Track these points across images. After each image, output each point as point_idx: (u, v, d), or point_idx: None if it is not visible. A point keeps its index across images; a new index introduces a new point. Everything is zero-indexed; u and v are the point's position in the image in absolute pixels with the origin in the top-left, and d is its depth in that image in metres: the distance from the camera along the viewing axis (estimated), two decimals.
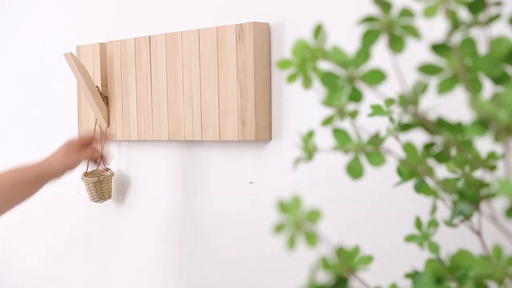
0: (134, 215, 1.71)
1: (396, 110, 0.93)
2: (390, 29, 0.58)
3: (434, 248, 0.86)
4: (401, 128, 0.63)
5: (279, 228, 0.57)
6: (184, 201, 1.57)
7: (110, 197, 1.74)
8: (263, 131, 1.37)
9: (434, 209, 0.82)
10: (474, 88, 0.56)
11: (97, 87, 1.70)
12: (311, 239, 0.57)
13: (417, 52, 0.86)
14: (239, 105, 1.38)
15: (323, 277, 0.60)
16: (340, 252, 0.61)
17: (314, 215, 0.57)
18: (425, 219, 0.90)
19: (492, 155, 0.71)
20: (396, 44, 0.58)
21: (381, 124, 1.06)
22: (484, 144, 0.70)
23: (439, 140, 0.63)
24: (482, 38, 0.59)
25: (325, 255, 0.60)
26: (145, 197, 1.68)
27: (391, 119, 0.93)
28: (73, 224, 1.91)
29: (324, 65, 0.61)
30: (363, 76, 0.60)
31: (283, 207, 0.58)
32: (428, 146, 0.65)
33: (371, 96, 0.81)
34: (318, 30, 0.61)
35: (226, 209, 1.49)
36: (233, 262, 1.48)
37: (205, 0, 1.51)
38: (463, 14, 0.58)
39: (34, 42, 2.02)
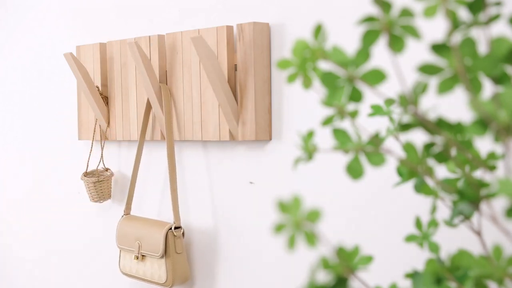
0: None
1: (396, 110, 0.93)
2: (390, 29, 0.58)
3: (434, 248, 0.86)
4: (401, 128, 0.63)
5: (279, 228, 0.57)
6: (184, 201, 1.57)
7: (110, 197, 1.74)
8: (263, 131, 1.37)
9: (434, 209, 0.82)
10: (474, 88, 0.56)
11: (97, 87, 1.70)
12: (311, 239, 0.57)
13: (417, 52, 0.86)
14: (239, 105, 1.38)
15: (323, 277, 0.60)
16: (340, 252, 0.61)
17: (314, 215, 0.57)
18: (425, 219, 0.90)
19: (492, 155, 0.71)
20: (396, 44, 0.58)
21: (381, 124, 1.06)
22: (484, 144, 0.70)
23: (439, 140, 0.63)
24: (482, 38, 0.59)
25: (325, 255, 0.60)
26: (145, 197, 1.68)
27: (391, 119, 0.93)
28: (73, 224, 1.91)
29: (324, 65, 0.61)
30: (363, 76, 0.60)
31: (283, 207, 0.58)
32: (428, 146, 0.65)
33: (371, 96, 0.81)
34: (318, 30, 0.61)
35: (226, 209, 1.49)
36: (233, 262, 1.48)
37: (205, 0, 1.51)
38: (463, 14, 0.58)
39: (34, 42, 2.02)
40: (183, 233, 1.52)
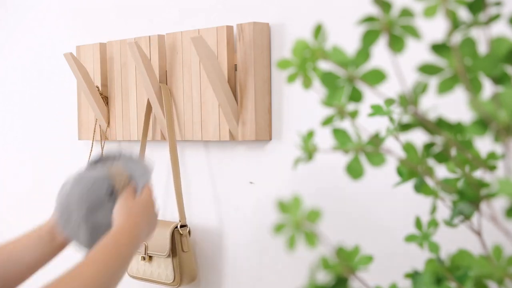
0: None
1: (396, 110, 0.93)
2: (390, 29, 0.58)
3: (434, 248, 0.86)
4: (401, 128, 0.63)
5: (279, 228, 0.58)
6: (184, 201, 1.57)
7: None
8: (263, 131, 1.37)
9: (434, 209, 0.82)
10: (474, 88, 0.56)
11: (97, 87, 1.70)
12: (311, 239, 0.57)
13: (417, 52, 0.86)
14: (239, 105, 1.38)
15: (323, 277, 0.60)
16: (340, 252, 0.61)
17: (314, 215, 0.57)
18: (425, 219, 0.90)
19: (492, 155, 0.71)
20: (396, 44, 0.58)
21: (381, 124, 1.06)
22: (484, 144, 0.70)
23: (439, 140, 0.63)
24: (482, 38, 0.59)
25: (325, 255, 0.60)
26: None
27: (391, 119, 0.93)
28: None
29: (324, 65, 0.61)
30: (363, 76, 0.60)
31: (283, 207, 0.58)
32: (428, 146, 0.65)
33: (371, 96, 0.81)
34: (318, 30, 0.61)
35: (226, 209, 1.49)
36: (233, 262, 1.48)
37: (205, 0, 1.51)
38: (463, 14, 0.58)
39: (34, 42, 2.02)
40: (189, 231, 1.51)
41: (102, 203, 1.15)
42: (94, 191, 1.15)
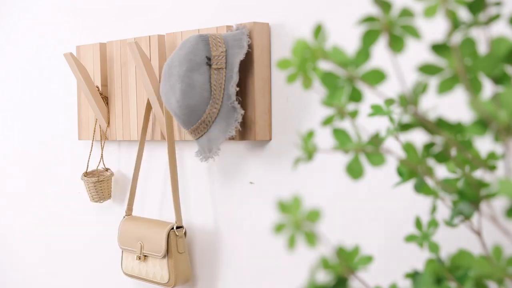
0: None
1: (396, 110, 0.93)
2: (390, 29, 0.58)
3: (434, 248, 0.86)
4: (401, 128, 0.63)
5: (279, 228, 0.58)
6: (185, 201, 1.57)
7: (110, 197, 1.74)
8: (263, 131, 1.37)
9: (434, 209, 0.82)
10: (474, 88, 0.56)
11: (97, 87, 1.70)
12: (311, 239, 0.57)
13: (417, 52, 0.86)
14: (239, 105, 1.38)
15: (323, 277, 0.60)
16: (340, 252, 0.61)
17: (314, 215, 0.57)
18: (425, 219, 0.90)
19: (492, 155, 0.71)
20: (396, 44, 0.58)
21: (381, 124, 1.06)
22: (484, 144, 0.70)
23: (439, 140, 0.63)
24: (482, 38, 0.59)
25: (325, 255, 0.60)
26: (144, 197, 1.68)
27: (391, 119, 0.93)
28: (73, 224, 1.91)
29: (324, 65, 0.61)
30: (363, 76, 0.60)
31: (283, 207, 0.58)
32: (428, 146, 0.65)
33: (371, 96, 0.81)
34: (318, 30, 0.61)
35: (226, 209, 1.49)
36: (233, 262, 1.48)
37: (205, 0, 1.51)
38: (463, 14, 0.58)
39: (34, 42, 2.02)
40: (185, 233, 1.52)
41: (199, 64, 1.32)
42: (195, 53, 1.32)
